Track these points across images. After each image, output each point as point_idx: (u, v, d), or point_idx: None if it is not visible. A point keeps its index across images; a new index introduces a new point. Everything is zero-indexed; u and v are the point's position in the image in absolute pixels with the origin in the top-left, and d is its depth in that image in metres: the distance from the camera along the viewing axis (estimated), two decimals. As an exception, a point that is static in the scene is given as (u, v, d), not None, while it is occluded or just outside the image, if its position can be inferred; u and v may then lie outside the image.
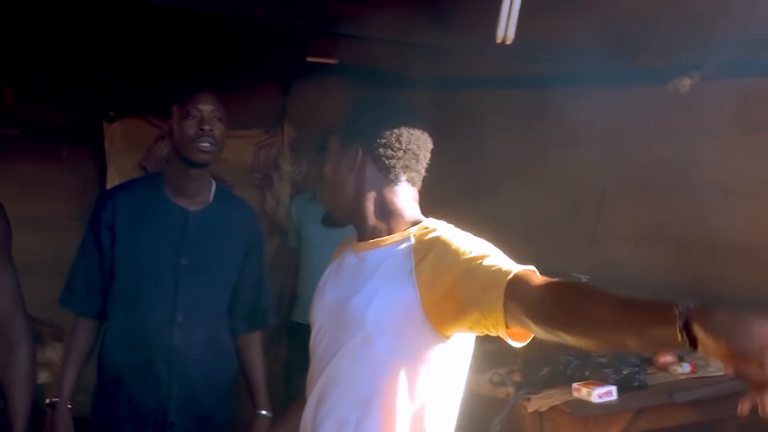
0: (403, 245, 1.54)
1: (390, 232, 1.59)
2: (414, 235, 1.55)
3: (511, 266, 1.39)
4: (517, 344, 1.42)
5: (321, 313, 1.66)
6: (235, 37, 3.41)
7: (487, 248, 1.46)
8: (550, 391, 2.87)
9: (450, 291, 1.43)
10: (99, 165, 4.31)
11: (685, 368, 3.11)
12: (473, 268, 1.40)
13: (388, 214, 1.60)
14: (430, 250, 1.49)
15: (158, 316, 2.28)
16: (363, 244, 1.62)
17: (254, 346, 2.52)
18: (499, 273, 1.37)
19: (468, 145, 4.37)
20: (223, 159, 2.56)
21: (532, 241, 3.67)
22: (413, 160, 1.60)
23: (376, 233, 1.60)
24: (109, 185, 4.13)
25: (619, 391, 2.84)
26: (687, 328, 1.07)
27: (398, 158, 1.59)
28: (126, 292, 2.31)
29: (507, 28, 1.81)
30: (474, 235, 1.53)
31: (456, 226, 1.58)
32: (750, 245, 3.33)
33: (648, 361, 3.13)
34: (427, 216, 1.62)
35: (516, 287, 1.33)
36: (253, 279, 2.47)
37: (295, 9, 2.96)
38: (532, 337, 1.39)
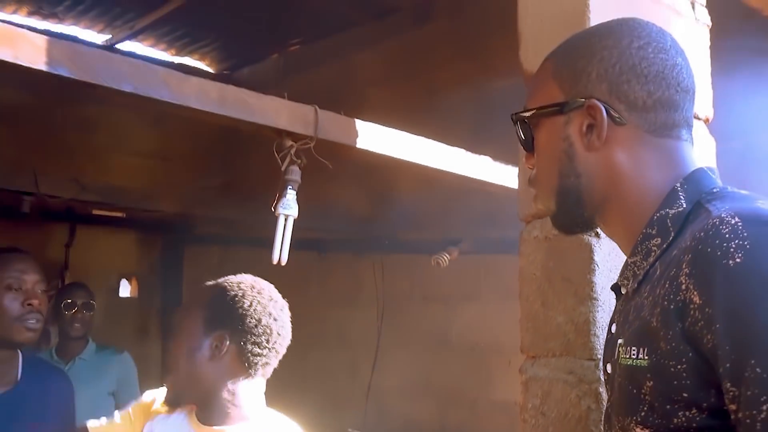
0: None
1: (240, 420, 1.60)
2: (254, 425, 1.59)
3: None
4: None
5: None
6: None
7: None
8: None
9: None
10: None
11: None
12: None
13: (240, 404, 1.60)
14: None
15: None
16: (208, 428, 1.61)
17: None
18: None
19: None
20: None
21: (312, 397, 3.83)
22: (275, 358, 1.63)
23: (223, 421, 1.60)
24: None
25: None
26: None
27: (263, 356, 1.59)
28: None
29: (281, 252, 1.92)
30: None
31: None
32: (504, 400, 3.69)
33: None
34: None
35: None
36: None
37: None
38: None
